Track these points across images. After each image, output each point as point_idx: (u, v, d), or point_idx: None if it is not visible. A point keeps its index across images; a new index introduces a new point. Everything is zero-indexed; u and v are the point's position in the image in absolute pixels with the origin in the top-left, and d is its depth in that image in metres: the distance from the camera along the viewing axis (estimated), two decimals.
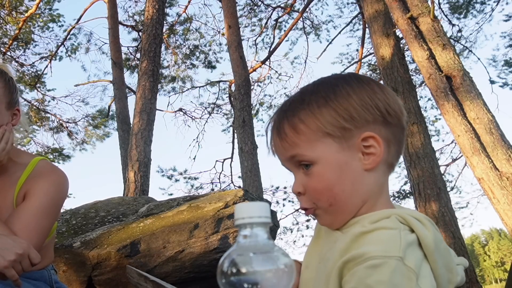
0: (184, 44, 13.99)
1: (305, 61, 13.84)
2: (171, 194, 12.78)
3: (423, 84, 10.90)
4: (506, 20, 11.43)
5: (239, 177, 10.82)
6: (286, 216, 13.18)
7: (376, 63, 10.16)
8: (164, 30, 10.00)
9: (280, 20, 13.63)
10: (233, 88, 10.39)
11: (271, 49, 13.06)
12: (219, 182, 12.81)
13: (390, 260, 0.67)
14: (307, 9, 13.10)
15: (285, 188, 13.14)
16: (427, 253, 0.71)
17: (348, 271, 0.70)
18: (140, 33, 11.93)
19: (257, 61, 13.39)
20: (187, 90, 13.83)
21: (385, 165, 0.81)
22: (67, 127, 12.72)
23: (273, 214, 3.58)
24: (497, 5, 11.45)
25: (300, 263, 0.88)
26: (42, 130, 12.36)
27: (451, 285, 0.76)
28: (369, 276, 0.67)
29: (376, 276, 0.66)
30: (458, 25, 11.80)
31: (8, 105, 1.42)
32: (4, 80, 1.43)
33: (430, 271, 0.71)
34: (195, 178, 12.92)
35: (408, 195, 12.19)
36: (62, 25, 12.55)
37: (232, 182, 12.73)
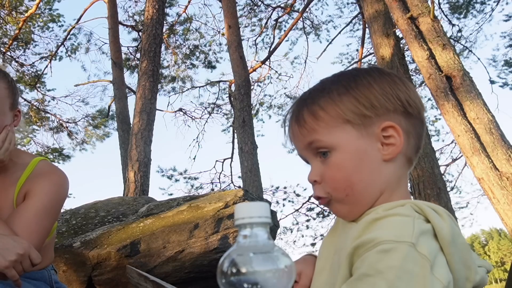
0: (184, 44, 14.00)
1: (305, 61, 13.86)
2: (171, 194, 12.80)
3: (423, 84, 10.90)
4: (506, 20, 11.45)
5: (239, 177, 10.82)
6: (286, 216, 13.19)
7: (376, 63, 10.16)
8: (164, 30, 10.00)
9: (280, 20, 13.64)
10: (233, 88, 10.39)
11: (271, 49, 13.06)
12: (219, 182, 12.83)
13: (402, 245, 0.64)
14: (307, 9, 13.11)
15: (285, 188, 13.16)
16: (443, 245, 0.68)
17: (359, 257, 0.68)
18: (140, 33, 11.93)
19: (257, 61, 13.40)
20: (187, 90, 13.85)
21: (404, 157, 0.79)
22: (67, 127, 12.72)
23: (273, 214, 3.58)
24: (497, 5, 11.45)
25: (315, 256, 0.86)
26: (42, 130, 12.37)
27: (469, 283, 0.72)
28: (379, 261, 0.64)
29: (386, 261, 0.64)
30: (458, 25, 11.81)
31: (11, 106, 1.44)
32: (7, 81, 1.44)
33: (446, 263, 0.68)
34: (195, 178, 12.93)
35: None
36: (62, 25, 12.57)
37: (232, 182, 12.74)
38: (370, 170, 0.77)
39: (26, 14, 11.48)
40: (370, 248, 0.66)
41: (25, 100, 12.13)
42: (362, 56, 12.77)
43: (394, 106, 0.78)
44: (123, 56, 12.09)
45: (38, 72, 12.30)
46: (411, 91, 0.80)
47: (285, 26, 13.70)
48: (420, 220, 0.69)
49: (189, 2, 13.29)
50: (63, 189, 1.44)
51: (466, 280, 0.72)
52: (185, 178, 12.96)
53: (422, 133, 0.82)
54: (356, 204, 0.77)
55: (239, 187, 10.63)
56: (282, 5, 13.53)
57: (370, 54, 12.30)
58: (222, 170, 12.74)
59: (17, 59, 11.96)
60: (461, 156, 10.16)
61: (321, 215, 13.13)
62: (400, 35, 7.23)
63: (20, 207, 1.34)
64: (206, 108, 13.67)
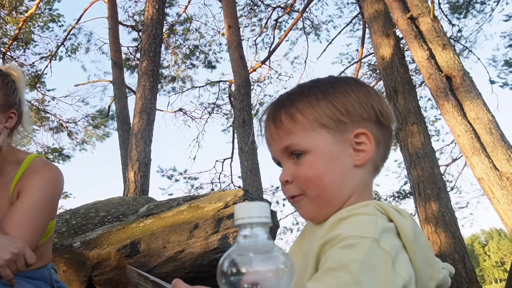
0: (184, 44, 14.00)
1: (305, 61, 13.87)
2: (171, 194, 12.79)
3: (423, 84, 10.91)
4: (506, 20, 11.45)
5: (239, 177, 10.83)
6: (286, 216, 13.21)
7: (376, 63, 10.16)
8: (164, 30, 10.01)
9: (280, 20, 13.64)
10: (233, 88, 10.39)
11: (271, 49, 13.06)
12: (219, 182, 12.83)
13: (365, 240, 0.67)
14: (307, 9, 13.11)
15: None
16: (405, 242, 0.71)
17: (324, 253, 0.70)
18: (140, 33, 11.93)
19: (257, 61, 13.40)
20: (187, 90, 13.85)
21: (372, 165, 0.83)
22: (67, 127, 12.73)
23: (273, 214, 3.58)
24: (497, 5, 11.45)
25: None
26: (42, 130, 12.37)
27: (432, 281, 0.75)
28: (344, 255, 0.66)
29: (351, 255, 0.66)
30: (458, 25, 11.81)
31: (1, 107, 1.40)
32: (1, 82, 1.42)
33: (408, 260, 0.70)
34: (195, 178, 12.94)
35: (408, 195, 12.19)
36: (62, 25, 12.57)
37: (232, 182, 12.74)
38: (341, 173, 0.80)
39: (26, 14, 11.47)
40: (335, 244, 0.69)
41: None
42: (362, 56, 12.77)
43: (368, 115, 0.81)
44: (123, 56, 12.10)
45: (38, 72, 12.30)
46: (384, 103, 0.84)
47: (285, 26, 13.72)
48: (383, 219, 0.72)
49: (189, 2, 13.29)
50: (57, 185, 1.42)
51: (429, 278, 0.74)
52: (185, 178, 12.97)
53: (390, 143, 0.86)
54: (325, 205, 0.80)
55: (239, 187, 10.63)
56: (282, 5, 13.54)
57: (370, 54, 12.30)
58: (222, 170, 12.75)
59: (17, 59, 11.96)
60: (461, 156, 10.16)
61: None
62: (400, 35, 7.23)
63: (13, 206, 1.33)
64: (206, 108, 13.68)
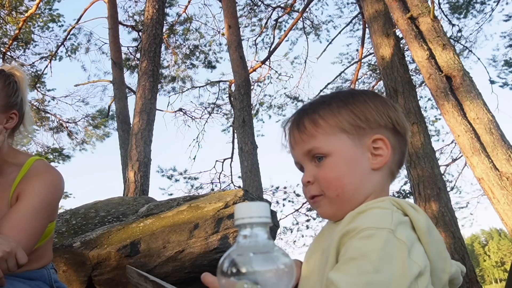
0: (184, 44, 13.99)
1: (305, 61, 13.86)
2: (171, 194, 12.79)
3: (423, 84, 10.91)
4: (506, 20, 11.45)
5: (239, 177, 10.82)
6: (286, 216, 13.19)
7: (376, 63, 10.16)
8: (164, 30, 10.00)
9: (280, 20, 13.63)
10: (233, 88, 10.39)
11: (271, 49, 13.06)
12: (219, 182, 12.82)
13: (382, 231, 0.72)
14: (307, 9, 13.11)
15: (285, 188, 13.15)
16: (420, 234, 0.76)
17: (343, 245, 0.75)
18: (140, 33, 11.93)
19: (257, 61, 13.40)
20: (187, 90, 13.84)
21: (388, 169, 0.89)
22: (67, 127, 12.72)
23: (273, 214, 3.58)
24: (497, 5, 11.45)
25: (300, 261, 0.92)
26: (42, 130, 12.37)
27: (445, 274, 0.79)
28: (363, 245, 0.71)
29: (369, 245, 0.71)
30: (458, 25, 11.81)
31: (2, 108, 1.40)
32: (3, 83, 1.41)
33: (423, 251, 0.75)
34: (195, 178, 12.93)
35: (408, 195, 12.19)
36: (62, 25, 12.56)
37: (232, 182, 12.74)
38: (359, 175, 0.85)
39: (26, 14, 11.47)
40: (354, 236, 0.74)
41: None
42: (362, 56, 12.77)
43: (385, 122, 0.88)
44: (123, 56, 12.09)
45: (38, 72, 12.30)
46: (399, 113, 0.91)
47: (285, 26, 13.71)
48: (398, 213, 0.78)
49: (189, 2, 13.29)
50: (57, 189, 1.42)
51: (443, 271, 0.79)
52: (185, 178, 12.96)
53: (405, 151, 0.92)
54: (344, 205, 0.84)
55: (239, 187, 10.63)
56: (282, 5, 13.53)
57: (370, 54, 12.30)
58: (222, 170, 12.75)
59: (17, 59, 11.96)
60: (461, 156, 10.16)
61: None
62: (400, 35, 7.23)
63: (11, 209, 1.32)
64: (206, 108, 13.68)
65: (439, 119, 12.28)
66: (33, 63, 12.26)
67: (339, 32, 13.69)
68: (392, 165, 0.89)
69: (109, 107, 13.20)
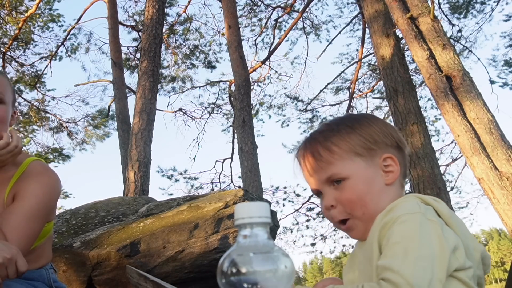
0: (184, 44, 13.99)
1: (305, 61, 13.85)
2: (171, 194, 12.78)
3: (423, 84, 10.90)
4: (506, 20, 11.44)
5: (239, 177, 10.82)
6: (286, 216, 13.17)
7: (376, 63, 10.16)
8: (164, 30, 10.00)
9: (280, 20, 13.62)
10: (233, 88, 10.39)
11: (271, 49, 13.06)
12: (219, 182, 12.81)
13: (415, 215, 0.82)
14: (307, 9, 13.10)
15: (285, 188, 13.14)
16: (445, 219, 0.86)
17: (384, 237, 0.83)
18: (140, 33, 11.93)
19: (257, 61, 13.39)
20: (187, 90, 13.83)
21: (399, 182, 0.98)
22: (67, 127, 12.72)
23: (273, 214, 3.58)
24: (497, 5, 11.45)
25: (340, 280, 1.02)
26: (42, 130, 12.36)
27: (476, 252, 0.87)
28: (401, 229, 0.81)
29: (407, 227, 0.80)
30: (458, 25, 11.80)
31: (12, 103, 1.45)
32: (8, 80, 1.45)
33: (452, 232, 0.84)
34: (195, 178, 12.92)
35: None
36: (62, 25, 12.55)
37: (232, 182, 12.73)
38: (377, 191, 0.94)
39: (26, 14, 11.46)
40: (392, 225, 0.82)
41: (25, 100, 12.13)
42: (362, 56, 12.77)
43: (390, 142, 0.98)
44: (123, 56, 12.09)
45: (38, 72, 12.29)
46: (398, 132, 1.01)
47: (285, 26, 13.71)
48: (422, 203, 0.87)
49: (189, 2, 13.29)
50: (54, 190, 1.42)
51: (474, 249, 0.87)
52: (185, 178, 12.95)
53: (407, 164, 1.02)
54: (370, 220, 0.92)
55: (239, 187, 10.63)
56: (282, 5, 13.53)
57: (370, 54, 12.29)
58: (222, 170, 12.74)
59: (17, 59, 11.96)
60: (461, 156, 10.16)
61: (321, 215, 13.12)
62: (400, 35, 7.23)
63: (9, 209, 1.32)
64: (206, 108, 13.67)
65: (439, 119, 12.28)
66: (33, 63, 12.27)
67: (339, 32, 13.70)
68: (400, 178, 0.98)
69: (109, 107, 13.19)
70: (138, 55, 12.34)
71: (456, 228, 0.85)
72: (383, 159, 0.95)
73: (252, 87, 11.65)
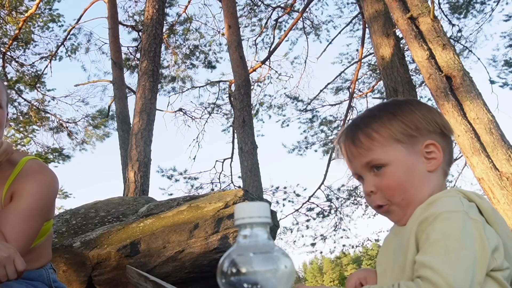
0: (184, 44, 13.99)
1: (305, 61, 13.83)
2: (171, 194, 12.77)
3: (423, 84, 10.90)
4: (506, 20, 11.43)
5: (239, 177, 10.81)
6: (286, 216, 13.17)
7: (376, 63, 10.16)
8: (164, 30, 9.99)
9: (280, 20, 13.61)
10: (233, 88, 10.39)
11: (271, 49, 13.05)
12: (219, 182, 12.81)
13: (458, 213, 0.81)
14: (307, 9, 13.10)
15: (285, 188, 13.15)
16: (487, 217, 0.84)
17: (423, 232, 0.82)
18: (140, 33, 11.92)
19: (257, 61, 13.38)
20: (187, 90, 13.82)
21: (442, 170, 0.97)
22: (67, 127, 12.71)
23: (273, 214, 3.58)
24: (497, 5, 11.45)
25: (374, 271, 1.02)
26: (42, 130, 12.36)
27: None
28: (444, 227, 0.79)
29: (450, 225, 0.79)
30: (458, 25, 11.80)
31: (5, 104, 1.45)
32: (3, 82, 1.46)
33: (493, 230, 0.83)
34: (195, 178, 12.92)
35: None
36: (62, 25, 12.55)
37: (232, 182, 12.73)
38: (418, 178, 0.93)
39: (26, 14, 11.46)
40: (433, 221, 0.81)
41: (25, 100, 12.14)
42: (362, 56, 12.76)
43: (433, 128, 0.96)
44: (123, 56, 12.08)
45: (38, 72, 12.29)
46: (443, 117, 1.00)
47: (285, 26, 13.70)
48: (465, 199, 0.86)
49: (189, 2, 13.29)
50: (51, 188, 1.42)
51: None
52: (185, 178, 12.95)
53: (452, 151, 1.00)
54: (410, 206, 0.91)
55: (239, 187, 10.63)
56: (282, 5, 13.52)
57: (370, 54, 12.29)
58: (222, 170, 12.74)
59: (17, 59, 11.96)
60: (461, 156, 10.15)
61: (321, 215, 13.13)
62: (400, 35, 7.23)
63: (7, 209, 1.32)
64: (206, 108, 13.66)
65: None
66: (33, 63, 12.26)
67: (339, 32, 13.69)
68: (444, 165, 0.96)
69: (109, 107, 13.19)
70: (138, 55, 12.34)
71: (497, 227, 0.84)
72: (425, 145, 0.94)
73: (252, 87, 11.65)
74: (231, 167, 12.70)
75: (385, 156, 0.93)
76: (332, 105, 13.59)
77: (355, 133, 0.97)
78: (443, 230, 0.79)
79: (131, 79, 13.84)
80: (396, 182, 0.92)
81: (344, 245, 13.66)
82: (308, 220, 13.26)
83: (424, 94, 12.33)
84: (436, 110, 1.01)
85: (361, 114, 1.04)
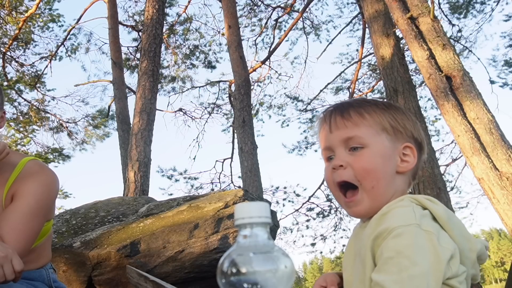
0: (184, 44, 13.99)
1: (305, 61, 13.84)
2: (171, 194, 12.77)
3: (423, 84, 10.90)
4: (506, 20, 11.44)
5: (239, 177, 10.82)
6: (286, 216, 13.17)
7: (376, 63, 10.16)
8: (164, 30, 10.00)
9: (280, 20, 13.62)
10: (233, 88, 10.39)
11: (271, 49, 13.05)
12: (219, 182, 12.81)
13: (410, 227, 0.80)
14: (307, 9, 13.10)
15: (285, 188, 13.14)
16: (442, 223, 0.84)
17: (378, 247, 0.82)
18: (140, 33, 11.93)
19: (257, 61, 13.38)
20: (187, 90, 13.83)
21: (408, 177, 0.97)
22: (67, 127, 12.71)
23: (273, 214, 3.58)
24: (497, 5, 11.45)
25: (339, 275, 1.01)
26: (42, 130, 12.36)
27: (472, 252, 0.86)
28: (396, 243, 0.79)
29: (402, 242, 0.78)
30: (458, 25, 11.80)
31: (1, 106, 1.43)
32: None
33: (449, 237, 0.83)
34: (195, 178, 12.92)
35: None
36: (62, 25, 12.55)
37: (232, 182, 12.73)
38: (389, 173, 0.93)
39: (26, 14, 11.46)
40: (386, 236, 0.81)
41: (25, 100, 12.14)
42: (362, 56, 12.76)
43: (416, 135, 0.98)
44: (123, 56, 12.08)
45: (38, 72, 12.29)
46: (424, 136, 1.01)
47: (285, 26, 13.70)
48: (418, 208, 0.85)
49: (189, 2, 13.29)
50: (52, 188, 1.41)
51: (469, 250, 0.86)
52: (185, 178, 12.95)
53: (420, 167, 1.00)
54: (377, 199, 0.90)
55: (239, 187, 10.63)
56: (282, 5, 13.52)
57: (370, 54, 12.29)
58: (222, 170, 12.74)
59: (17, 59, 11.96)
60: (461, 156, 10.15)
61: (321, 215, 13.13)
62: (400, 35, 7.23)
63: (7, 210, 1.32)
64: (206, 108, 13.66)
65: (439, 119, 12.28)
66: (33, 63, 12.26)
67: (339, 32, 13.70)
68: (410, 174, 0.97)
69: (109, 107, 13.19)
70: (138, 55, 12.34)
71: (452, 232, 0.84)
72: (404, 146, 0.95)
73: (252, 87, 11.65)
74: (231, 167, 12.71)
75: (368, 137, 0.92)
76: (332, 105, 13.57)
77: (346, 108, 0.96)
78: (395, 247, 0.78)
79: (131, 79, 13.86)
80: (372, 166, 0.90)
81: (344, 245, 13.65)
82: (308, 220, 13.26)
83: (424, 94, 12.35)
84: (420, 125, 1.03)
85: (356, 98, 1.05)
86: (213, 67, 13.98)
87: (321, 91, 13.49)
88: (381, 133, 0.93)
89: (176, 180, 12.93)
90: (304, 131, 13.81)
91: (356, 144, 0.92)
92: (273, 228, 3.47)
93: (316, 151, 14.07)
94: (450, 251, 0.80)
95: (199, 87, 13.72)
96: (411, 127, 0.97)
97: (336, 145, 0.94)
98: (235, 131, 10.79)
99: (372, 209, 0.90)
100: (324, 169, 0.98)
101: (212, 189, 12.51)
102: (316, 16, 17.05)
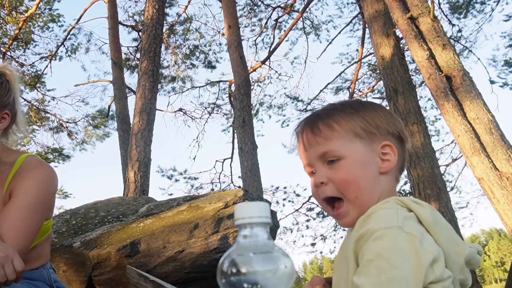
0: (184, 44, 13.99)
1: (305, 61, 13.84)
2: (171, 194, 12.78)
3: (423, 84, 10.90)
4: (506, 20, 11.44)
5: (239, 177, 10.82)
6: (286, 216, 13.17)
7: (376, 63, 10.16)
8: (164, 30, 10.00)
9: (280, 20, 13.62)
10: (233, 88, 10.39)
11: (271, 49, 13.05)
12: (219, 182, 12.82)
13: (391, 230, 0.78)
14: (307, 9, 13.10)
15: (285, 188, 13.15)
16: (427, 226, 0.82)
17: (360, 249, 0.81)
18: (140, 33, 11.93)
19: (257, 61, 13.39)
20: (187, 90, 13.83)
21: (394, 174, 0.95)
22: (67, 127, 12.71)
23: (273, 214, 3.58)
24: (497, 5, 11.45)
25: (327, 280, 0.99)
26: (42, 130, 12.36)
27: (460, 256, 0.84)
28: (376, 246, 0.77)
29: (382, 244, 0.77)
30: (458, 25, 11.80)
31: None
32: None
33: (433, 240, 0.81)
34: (195, 178, 12.92)
35: (408, 195, 12.19)
36: (62, 25, 12.56)
37: (232, 182, 12.73)
38: (371, 178, 0.91)
39: (26, 14, 11.46)
40: (368, 238, 0.79)
41: (25, 100, 12.12)
42: (362, 56, 12.76)
43: (392, 130, 0.95)
44: (123, 56, 12.08)
45: (38, 72, 12.29)
46: (402, 125, 0.99)
47: (285, 26, 13.70)
48: (403, 210, 0.84)
49: (189, 2, 13.29)
50: (50, 184, 1.40)
51: (457, 254, 0.83)
52: (185, 178, 12.95)
53: (406, 159, 0.99)
54: (362, 208, 0.89)
55: (239, 187, 10.63)
56: (282, 5, 13.52)
57: (370, 54, 12.29)
58: (222, 170, 12.74)
59: (17, 59, 11.96)
60: (461, 156, 10.15)
61: (321, 215, 13.13)
62: (400, 35, 7.23)
63: (5, 207, 1.31)
64: (206, 108, 13.67)
65: (439, 119, 12.28)
66: (33, 63, 12.26)
67: (339, 32, 13.70)
68: (396, 170, 0.95)
69: (109, 107, 13.19)
70: (138, 55, 12.34)
71: (438, 236, 0.81)
72: (382, 146, 0.93)
73: (252, 87, 11.65)
74: (231, 167, 12.72)
75: (342, 149, 0.91)
76: None
77: (315, 122, 0.95)
78: (376, 249, 0.77)
79: (131, 79, 13.86)
80: (351, 176, 0.89)
81: None
82: (308, 220, 13.26)
83: (424, 94, 12.35)
84: (396, 116, 1.01)
85: (323, 106, 1.02)
86: (213, 67, 14.00)
87: (321, 91, 13.51)
88: (354, 140, 0.92)
89: (176, 180, 12.95)
90: None
91: (332, 157, 0.91)
92: (273, 228, 3.47)
93: None
94: (433, 254, 0.78)
95: (199, 87, 13.74)
96: (385, 123, 0.94)
97: (313, 161, 0.94)
98: (235, 131, 10.80)
99: (360, 216, 0.89)
100: (310, 184, 0.98)
101: (212, 189, 12.52)
102: (316, 16, 17.06)
